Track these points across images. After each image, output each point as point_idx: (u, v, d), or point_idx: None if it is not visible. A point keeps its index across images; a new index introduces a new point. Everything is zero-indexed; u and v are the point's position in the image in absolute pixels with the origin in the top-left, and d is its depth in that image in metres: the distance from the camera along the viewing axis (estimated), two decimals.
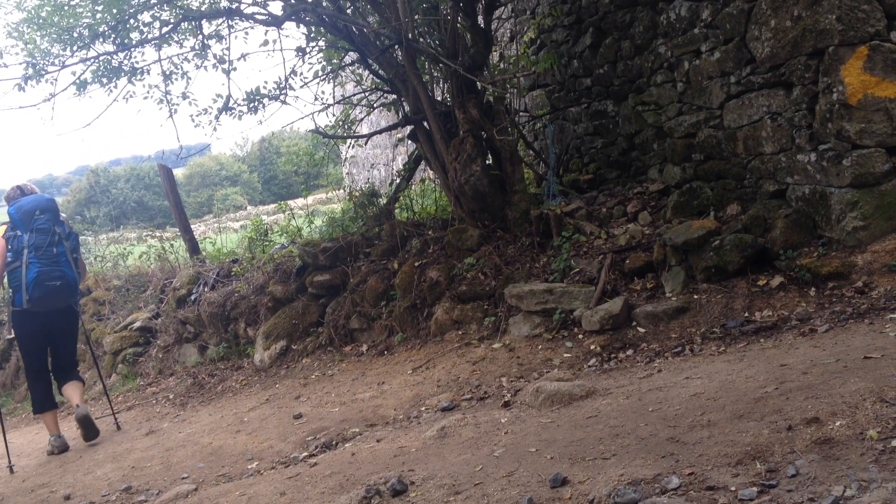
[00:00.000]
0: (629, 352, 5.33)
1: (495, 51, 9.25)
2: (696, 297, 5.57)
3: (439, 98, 8.36)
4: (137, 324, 10.06)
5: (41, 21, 7.60)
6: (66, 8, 7.58)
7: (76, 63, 7.85)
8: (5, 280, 6.72)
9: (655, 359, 5.01)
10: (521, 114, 9.78)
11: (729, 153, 6.33)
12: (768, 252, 5.55)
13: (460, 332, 6.67)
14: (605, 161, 8.32)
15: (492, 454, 3.72)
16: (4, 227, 6.77)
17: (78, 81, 7.92)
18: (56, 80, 7.90)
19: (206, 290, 9.44)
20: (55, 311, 6.88)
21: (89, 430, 6.81)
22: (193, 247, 10.98)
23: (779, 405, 3.35)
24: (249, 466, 5.12)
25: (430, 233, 7.80)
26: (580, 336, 5.79)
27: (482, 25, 7.78)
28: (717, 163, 6.51)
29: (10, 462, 6.64)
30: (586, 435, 3.65)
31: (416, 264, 7.40)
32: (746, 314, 5.18)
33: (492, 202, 7.35)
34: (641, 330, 5.53)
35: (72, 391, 6.96)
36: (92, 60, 7.94)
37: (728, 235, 5.67)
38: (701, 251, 5.72)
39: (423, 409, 5.38)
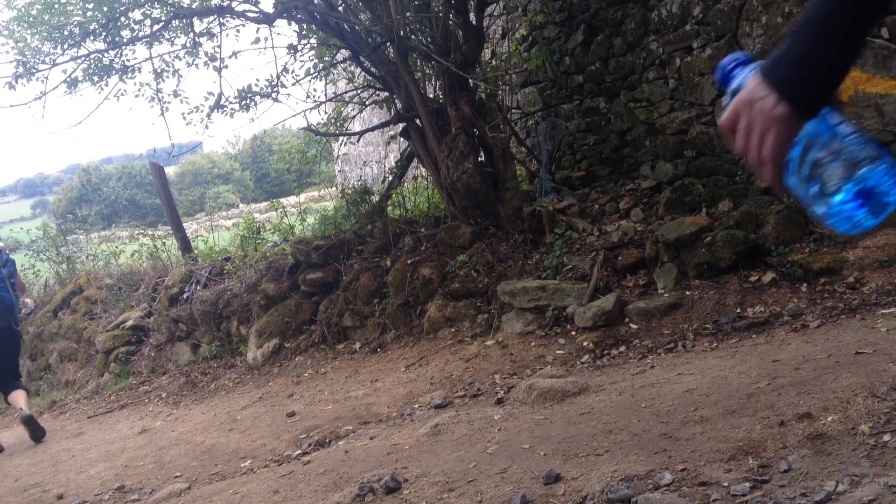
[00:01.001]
0: (622, 348, 5.34)
1: (487, 48, 9.25)
2: (688, 293, 5.58)
3: (431, 95, 8.35)
4: (130, 322, 10.03)
5: (31, 19, 7.59)
6: (56, 6, 7.57)
7: (67, 61, 7.84)
8: None
9: (648, 355, 5.03)
10: (513, 111, 9.78)
11: (721, 150, 6.34)
12: (760, 248, 5.57)
13: (453, 330, 6.67)
14: (598, 158, 8.32)
15: (485, 451, 3.72)
16: None
17: (69, 80, 7.91)
18: (47, 78, 7.89)
19: (198, 288, 9.42)
20: None
21: (35, 430, 7.50)
22: (185, 245, 10.96)
23: (771, 401, 3.36)
24: (243, 465, 5.12)
25: (422, 230, 7.80)
26: (573, 333, 5.80)
27: (474, 22, 7.78)
28: (709, 159, 6.53)
29: None
30: (579, 431, 3.65)
31: (409, 262, 7.39)
32: (738, 310, 5.19)
33: (484, 199, 7.36)
34: (634, 326, 5.54)
35: (16, 398, 7.74)
36: (83, 58, 7.93)
37: (720, 232, 5.68)
38: (693, 247, 5.73)
39: (416, 406, 5.38)
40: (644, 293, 5.89)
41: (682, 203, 6.57)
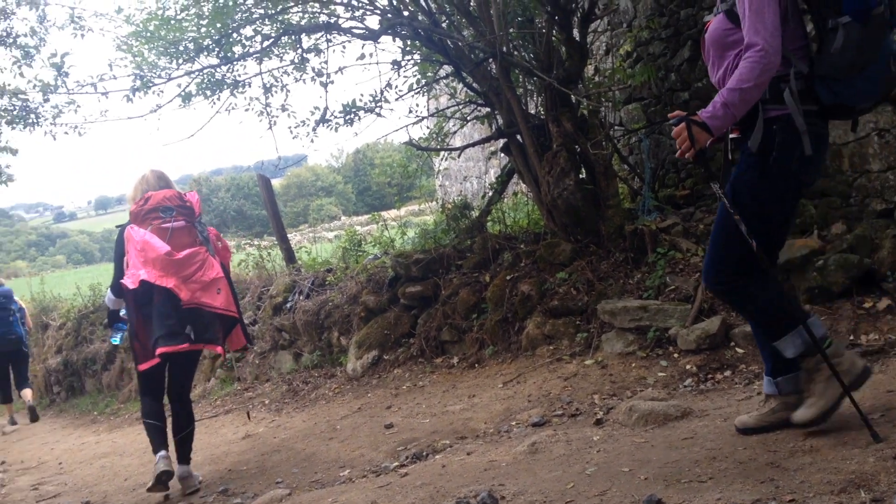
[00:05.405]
0: (727, 373, 5.20)
1: (590, 64, 9.19)
2: None
3: (533, 111, 8.34)
4: None
5: (149, 35, 7.91)
6: (172, 22, 7.87)
7: (181, 76, 8.14)
8: None
9: (755, 381, 4.87)
10: (615, 127, 9.68)
11: (833, 170, 6.13)
12: (875, 273, 5.34)
13: (551, 347, 6.62)
14: (704, 177, 8.15)
15: (583, 472, 3.68)
16: None
17: (183, 93, 8.21)
18: (162, 91, 8.21)
19: (301, 298, 9.63)
20: (10, 352, 12.24)
21: (34, 416, 12.18)
22: (289, 255, 11.20)
23: (885, 433, 3.22)
24: (341, 474, 5.19)
25: (521, 246, 7.78)
26: (675, 355, 5.68)
27: (577, 38, 7.75)
28: (821, 180, 6.30)
29: None
30: (682, 457, 3.58)
31: (508, 277, 7.39)
32: (851, 337, 4.99)
33: (585, 217, 7.29)
34: (740, 350, 5.39)
35: (26, 393, 12.39)
36: (196, 73, 8.23)
37: (832, 255, 5.48)
38: (803, 271, 5.55)
39: (513, 423, 5.36)
40: None
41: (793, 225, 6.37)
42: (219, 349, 5.86)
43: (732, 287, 3.56)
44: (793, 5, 3.36)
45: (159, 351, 5.41)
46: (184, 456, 5.75)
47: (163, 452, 5.61)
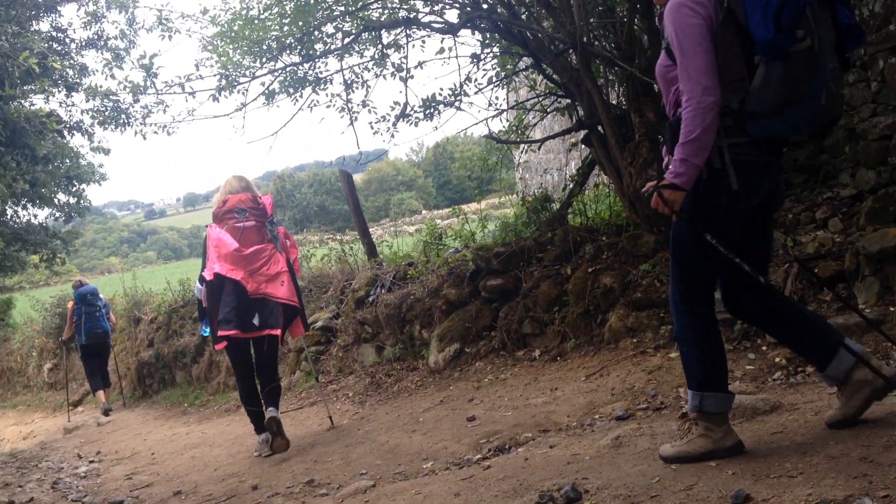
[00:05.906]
0: None
1: None
2: (892, 309, 5.20)
3: (614, 101, 8.23)
4: (319, 323, 10.49)
5: (233, 35, 8.09)
6: (255, 22, 8.04)
7: (265, 74, 8.32)
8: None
9: None
10: None
11: None
12: None
13: (635, 340, 6.54)
14: (792, 165, 7.92)
15: (669, 466, 3.63)
16: (72, 302, 13.46)
17: (266, 92, 8.37)
18: (247, 90, 8.39)
19: (382, 291, 9.72)
20: (97, 345, 13.28)
21: (108, 412, 12.86)
22: (371, 250, 11.33)
23: None
24: (424, 466, 5.23)
25: (603, 238, 7.70)
26: (763, 348, 5.54)
27: (659, 26, 7.61)
28: None
29: None
30: (771, 451, 3.50)
31: (590, 270, 7.32)
32: None
33: None
34: None
35: (103, 392, 13.34)
36: (279, 71, 8.38)
37: None
38: None
39: (596, 416, 5.32)
40: (843, 308, 5.54)
41: (886, 213, 6.13)
42: (278, 332, 6.74)
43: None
44: (727, 40, 3.35)
45: (219, 334, 6.45)
46: (271, 401, 6.67)
47: (264, 435, 6.66)
